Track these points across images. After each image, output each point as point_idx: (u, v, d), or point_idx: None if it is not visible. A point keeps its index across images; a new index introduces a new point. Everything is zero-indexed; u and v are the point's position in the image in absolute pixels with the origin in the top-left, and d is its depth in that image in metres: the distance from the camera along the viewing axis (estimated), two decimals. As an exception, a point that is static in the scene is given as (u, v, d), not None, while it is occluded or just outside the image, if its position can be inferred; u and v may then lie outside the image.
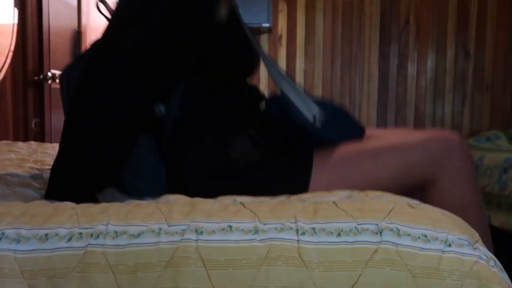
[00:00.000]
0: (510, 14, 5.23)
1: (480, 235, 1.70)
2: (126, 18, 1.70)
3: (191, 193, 1.69)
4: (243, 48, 1.85)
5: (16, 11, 5.10)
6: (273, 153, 1.80)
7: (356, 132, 1.86)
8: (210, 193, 1.69)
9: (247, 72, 1.92)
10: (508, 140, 4.78)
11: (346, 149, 1.78)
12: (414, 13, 5.29)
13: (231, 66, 1.86)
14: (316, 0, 5.38)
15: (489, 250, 1.76)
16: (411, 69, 5.30)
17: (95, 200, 1.64)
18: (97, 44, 1.81)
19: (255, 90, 1.97)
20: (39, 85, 5.35)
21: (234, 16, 1.82)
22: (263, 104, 1.97)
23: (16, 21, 5.10)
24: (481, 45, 5.28)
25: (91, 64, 1.66)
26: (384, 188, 1.68)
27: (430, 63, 5.30)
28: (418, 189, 1.81)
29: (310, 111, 1.75)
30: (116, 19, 1.74)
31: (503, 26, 5.25)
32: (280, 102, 1.88)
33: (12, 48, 5.01)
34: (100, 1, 1.86)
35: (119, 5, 1.76)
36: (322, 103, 1.80)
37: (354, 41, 5.37)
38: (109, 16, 1.83)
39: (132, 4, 1.70)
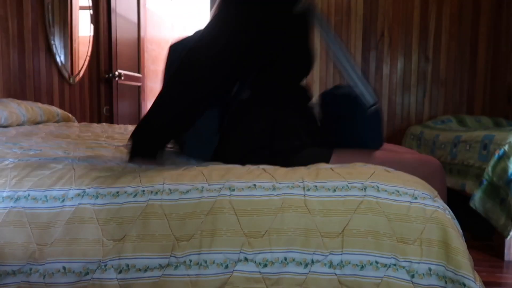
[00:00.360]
0: (459, 28, 5.19)
1: None
2: (222, 24, 1.65)
3: (230, 162, 1.67)
4: (304, 50, 1.82)
5: (92, 26, 5.13)
6: (305, 145, 1.75)
7: (379, 142, 1.82)
8: (246, 163, 1.67)
9: (304, 72, 1.87)
10: (458, 122, 4.76)
11: (359, 153, 1.73)
12: (387, 28, 5.26)
13: (292, 67, 1.81)
14: (314, 18, 5.36)
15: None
16: (386, 70, 5.28)
17: (155, 156, 1.64)
18: (198, 35, 1.75)
19: (306, 91, 1.91)
20: (109, 81, 5.41)
21: (304, 17, 1.81)
22: (311, 103, 1.92)
23: (92, 33, 5.14)
24: (438, 51, 5.25)
25: (190, 54, 1.62)
26: None
27: (399, 65, 5.27)
28: None
29: (372, 97, 1.71)
30: (216, 22, 1.68)
31: (454, 37, 5.21)
32: (333, 97, 1.85)
33: (89, 54, 5.06)
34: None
35: (220, 11, 1.69)
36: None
37: (342, 48, 5.35)
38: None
39: (232, 12, 1.65)
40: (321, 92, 1.90)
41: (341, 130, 1.82)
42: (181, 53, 1.74)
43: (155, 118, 1.62)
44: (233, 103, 1.78)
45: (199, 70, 1.59)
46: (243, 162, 1.60)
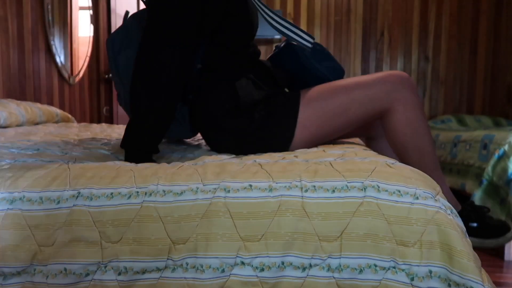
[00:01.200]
0: (458, 28, 5.19)
1: (427, 148, 1.83)
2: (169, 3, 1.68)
3: (210, 128, 1.80)
4: (247, 15, 1.85)
5: (92, 26, 5.13)
6: (271, 93, 1.83)
7: (339, 71, 1.92)
8: (224, 127, 1.78)
9: (249, 35, 1.91)
10: (457, 122, 4.77)
11: (324, 86, 1.81)
12: (387, 28, 5.26)
13: (238, 31, 1.86)
14: (314, 18, 5.37)
15: (437, 166, 1.86)
16: (385, 69, 5.27)
17: (150, 157, 1.68)
18: (141, 17, 1.87)
19: (255, 46, 1.98)
20: (109, 82, 5.43)
21: None
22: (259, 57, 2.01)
23: (92, 34, 5.14)
24: (437, 51, 5.25)
25: (147, 37, 1.67)
26: (353, 117, 1.78)
27: (399, 65, 5.27)
28: (378, 118, 1.84)
29: (307, 41, 1.76)
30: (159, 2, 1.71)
31: (454, 37, 5.22)
32: (279, 53, 1.97)
33: (89, 54, 5.06)
34: None
35: None
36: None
37: (342, 48, 5.35)
38: None
39: None
40: (267, 58, 2.03)
41: (300, 80, 1.94)
42: (120, 42, 1.87)
43: (140, 115, 1.66)
44: (190, 76, 1.84)
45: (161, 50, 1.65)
46: (218, 127, 1.75)
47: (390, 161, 1.38)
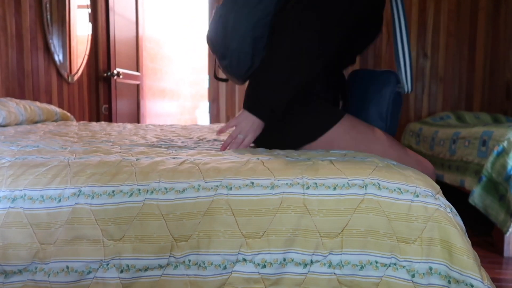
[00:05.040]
0: (457, 24, 5.19)
1: None
2: None
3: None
4: (380, 26, 1.87)
5: (90, 25, 5.12)
6: (323, 99, 1.80)
7: (392, 126, 1.89)
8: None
9: (369, 43, 1.95)
10: (456, 119, 4.76)
11: (371, 127, 1.79)
12: (385, 25, 5.25)
13: (367, 34, 1.89)
14: (312, 15, 5.35)
15: None
16: (384, 67, 5.27)
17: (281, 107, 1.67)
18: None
19: (343, 78, 1.97)
20: (107, 80, 5.42)
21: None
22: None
23: (90, 32, 5.13)
24: (436, 48, 5.24)
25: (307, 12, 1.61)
26: None
27: (398, 62, 5.26)
28: None
29: (407, 86, 1.80)
30: None
31: (452, 34, 5.21)
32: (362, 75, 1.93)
33: (87, 53, 5.05)
34: None
35: None
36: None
37: (341, 45, 5.35)
38: None
39: None
40: (350, 72, 1.98)
41: (363, 106, 1.89)
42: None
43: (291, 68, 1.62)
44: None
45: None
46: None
47: (391, 161, 1.39)
